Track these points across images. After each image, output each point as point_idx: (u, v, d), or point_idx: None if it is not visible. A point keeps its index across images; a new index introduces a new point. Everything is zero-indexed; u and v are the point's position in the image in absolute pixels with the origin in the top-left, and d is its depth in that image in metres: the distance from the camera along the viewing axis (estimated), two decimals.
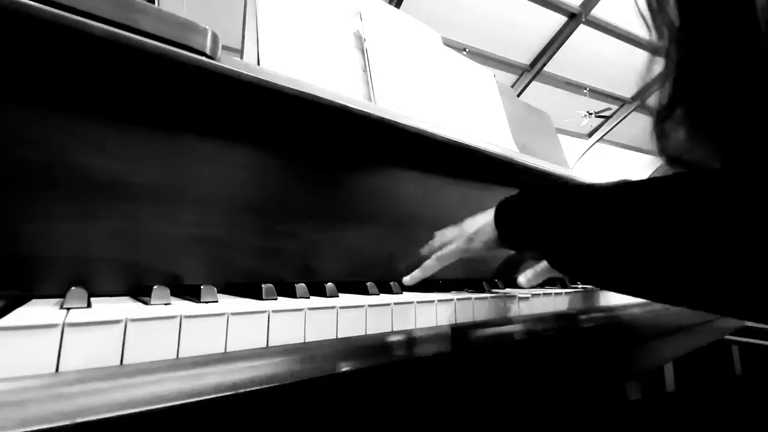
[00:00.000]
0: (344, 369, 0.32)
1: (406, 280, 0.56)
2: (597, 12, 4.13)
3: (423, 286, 0.58)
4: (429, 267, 0.56)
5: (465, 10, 3.95)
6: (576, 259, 0.41)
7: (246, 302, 0.36)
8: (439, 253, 0.56)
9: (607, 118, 5.54)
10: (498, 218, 0.52)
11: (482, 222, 0.54)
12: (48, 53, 0.38)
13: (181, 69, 0.43)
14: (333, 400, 0.32)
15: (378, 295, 0.47)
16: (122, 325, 0.25)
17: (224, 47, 0.46)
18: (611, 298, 0.72)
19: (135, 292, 0.42)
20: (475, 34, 4.20)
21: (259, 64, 0.60)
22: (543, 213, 0.45)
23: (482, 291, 0.56)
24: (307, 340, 0.34)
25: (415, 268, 0.57)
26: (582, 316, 0.62)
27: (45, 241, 0.38)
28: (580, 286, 0.80)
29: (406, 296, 0.47)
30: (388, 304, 0.41)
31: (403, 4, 3.72)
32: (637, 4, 0.37)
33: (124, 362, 0.25)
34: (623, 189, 0.37)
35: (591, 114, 5.29)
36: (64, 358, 0.23)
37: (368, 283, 0.48)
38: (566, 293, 0.65)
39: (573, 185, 0.46)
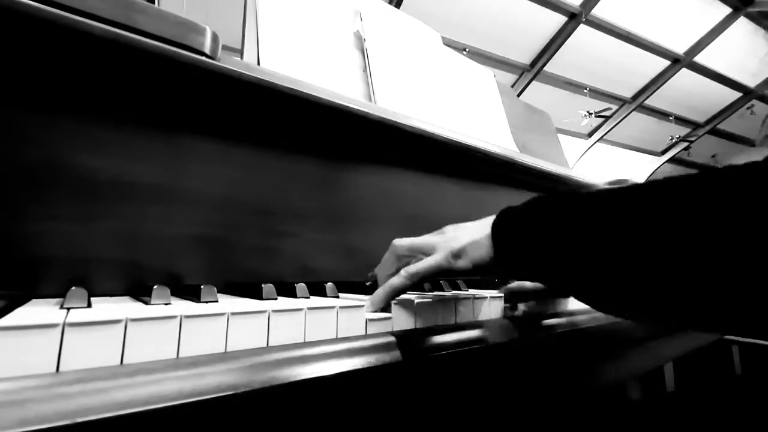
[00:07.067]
0: (347, 369, 0.32)
1: (367, 306, 0.40)
2: (597, 12, 4.13)
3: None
4: (395, 286, 0.41)
5: (465, 10, 3.96)
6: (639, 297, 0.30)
7: (246, 302, 0.36)
8: (412, 269, 0.41)
9: (607, 118, 5.55)
10: (499, 232, 0.38)
11: (474, 235, 0.40)
12: (48, 53, 0.38)
13: (182, 69, 0.43)
14: (334, 400, 0.32)
15: None
16: (122, 324, 0.25)
17: (224, 47, 0.46)
18: None
19: (135, 292, 0.42)
20: (475, 34, 4.20)
21: (259, 64, 0.60)
22: (578, 227, 0.32)
23: (481, 289, 0.56)
24: (307, 340, 0.34)
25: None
26: (582, 315, 0.61)
27: (45, 241, 0.38)
28: None
29: (407, 296, 0.47)
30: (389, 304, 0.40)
31: (403, 4, 3.72)
32: None
33: (125, 362, 0.25)
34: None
35: (591, 114, 5.29)
36: (65, 357, 0.23)
37: (368, 283, 0.48)
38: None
39: (617, 189, 0.33)
